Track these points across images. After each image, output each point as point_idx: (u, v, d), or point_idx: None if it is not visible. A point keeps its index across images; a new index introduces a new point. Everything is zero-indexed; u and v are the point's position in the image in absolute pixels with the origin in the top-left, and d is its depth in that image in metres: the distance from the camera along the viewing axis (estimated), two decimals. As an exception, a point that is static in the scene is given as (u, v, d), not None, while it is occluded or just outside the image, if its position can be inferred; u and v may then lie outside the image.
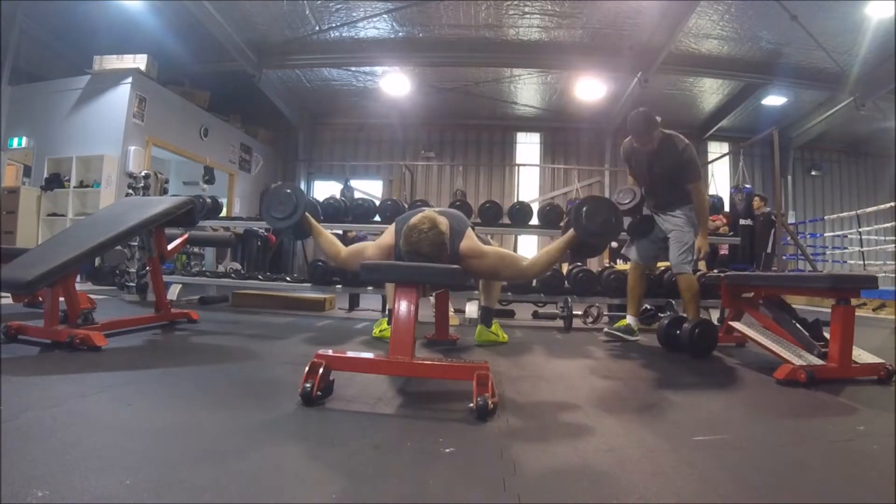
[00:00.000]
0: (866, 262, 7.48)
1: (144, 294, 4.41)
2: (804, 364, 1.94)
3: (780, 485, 1.03)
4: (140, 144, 6.68)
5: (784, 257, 7.77)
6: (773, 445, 1.26)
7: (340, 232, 8.15)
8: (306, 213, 2.32)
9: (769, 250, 6.65)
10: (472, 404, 1.36)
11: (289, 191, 2.32)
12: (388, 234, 2.21)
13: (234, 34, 7.02)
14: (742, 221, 6.70)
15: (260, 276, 4.44)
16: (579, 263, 4.04)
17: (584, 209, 2.05)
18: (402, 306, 1.60)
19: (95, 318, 2.32)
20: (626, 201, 2.85)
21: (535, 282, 3.85)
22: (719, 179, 9.40)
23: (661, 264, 5.25)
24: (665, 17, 6.36)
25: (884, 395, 1.84)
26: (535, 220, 4.11)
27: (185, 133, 7.73)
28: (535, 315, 3.99)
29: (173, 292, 4.15)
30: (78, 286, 2.61)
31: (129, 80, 6.51)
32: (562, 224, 2.28)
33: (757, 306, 2.66)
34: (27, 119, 6.63)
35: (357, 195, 7.78)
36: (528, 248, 10.02)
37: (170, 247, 3.14)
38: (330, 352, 1.53)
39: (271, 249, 8.37)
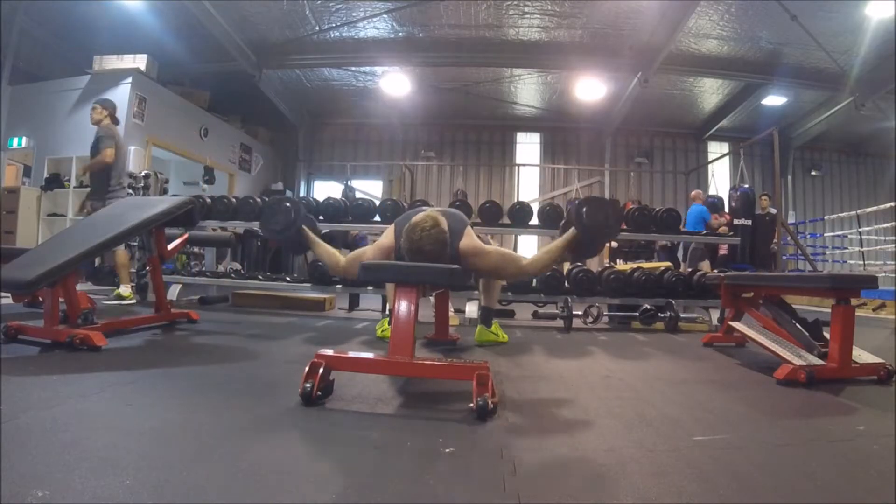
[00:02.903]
0: (866, 262, 7.48)
1: (144, 294, 4.41)
2: (804, 364, 1.94)
3: (780, 485, 1.03)
4: (140, 144, 6.67)
5: (784, 257, 7.77)
6: (773, 445, 1.26)
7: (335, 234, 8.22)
8: (303, 227, 2.31)
9: (774, 249, 6.65)
10: (472, 404, 1.36)
11: (287, 204, 2.32)
12: (388, 236, 2.22)
13: (234, 34, 7.03)
14: (736, 221, 6.71)
15: (260, 276, 4.44)
16: (579, 263, 4.03)
17: (585, 209, 2.05)
18: (402, 306, 1.60)
19: (95, 319, 2.32)
20: None
21: (534, 282, 3.85)
22: (719, 179, 9.41)
23: (661, 264, 5.27)
24: (665, 17, 6.37)
25: (884, 395, 1.84)
26: (535, 220, 4.11)
27: (185, 133, 7.73)
28: (535, 315, 3.99)
29: (173, 292, 4.15)
30: (78, 286, 2.60)
31: (129, 80, 6.51)
32: (561, 224, 2.28)
33: (757, 306, 2.66)
34: (27, 119, 6.63)
35: (357, 195, 7.79)
36: (528, 247, 10.02)
37: (170, 247, 3.14)
38: (330, 352, 1.53)
39: (271, 249, 8.36)
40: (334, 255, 2.29)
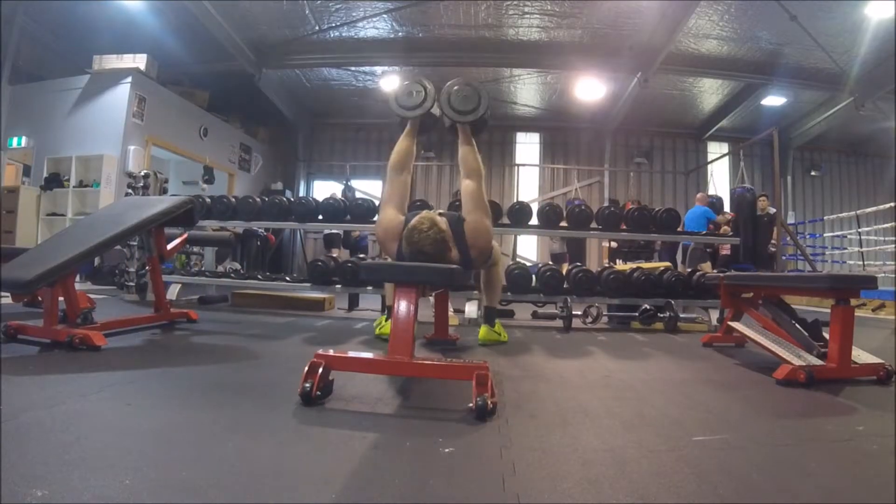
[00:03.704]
0: (866, 263, 7.48)
1: (144, 294, 4.41)
2: (804, 364, 1.94)
3: (780, 485, 1.03)
4: (140, 144, 6.68)
5: (784, 257, 7.78)
6: (773, 445, 1.26)
7: (341, 233, 8.23)
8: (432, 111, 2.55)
9: (773, 249, 6.66)
10: (471, 404, 1.37)
11: (422, 82, 2.55)
12: (400, 219, 2.24)
13: (233, 34, 7.03)
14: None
15: (259, 276, 4.44)
16: (578, 263, 4.03)
17: (451, 95, 2.48)
18: (402, 306, 1.60)
19: (95, 318, 2.31)
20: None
21: (534, 282, 3.85)
22: (719, 180, 9.42)
23: (661, 264, 5.27)
24: (665, 17, 6.37)
25: (883, 395, 1.84)
26: (534, 220, 4.11)
27: (184, 133, 7.73)
28: (535, 315, 3.99)
29: (173, 292, 4.15)
30: (77, 286, 2.61)
31: (129, 79, 6.52)
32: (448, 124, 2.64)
33: (756, 306, 2.66)
34: (27, 119, 6.63)
35: (357, 195, 7.79)
36: (528, 247, 10.04)
37: (169, 246, 3.14)
38: (329, 351, 1.53)
39: (271, 249, 8.37)
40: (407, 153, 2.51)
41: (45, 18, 6.76)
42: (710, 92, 9.01)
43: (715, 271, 4.04)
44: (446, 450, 1.14)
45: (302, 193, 10.30)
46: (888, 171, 9.90)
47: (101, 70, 6.55)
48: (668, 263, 5.77)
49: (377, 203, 4.20)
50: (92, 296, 3.00)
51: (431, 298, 2.77)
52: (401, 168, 2.45)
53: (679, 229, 4.45)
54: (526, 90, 9.29)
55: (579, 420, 1.43)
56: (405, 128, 2.56)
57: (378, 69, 8.38)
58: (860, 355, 2.06)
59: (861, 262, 7.51)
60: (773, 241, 6.66)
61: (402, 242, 2.04)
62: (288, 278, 4.45)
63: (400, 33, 7.40)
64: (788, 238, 7.07)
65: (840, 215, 8.69)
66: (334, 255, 5.65)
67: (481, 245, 2.25)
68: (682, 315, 3.63)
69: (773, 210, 6.97)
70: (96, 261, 5.49)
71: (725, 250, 6.67)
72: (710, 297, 3.72)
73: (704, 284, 3.63)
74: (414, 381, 1.75)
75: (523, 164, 10.58)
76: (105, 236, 2.35)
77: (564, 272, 4.09)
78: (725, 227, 6.55)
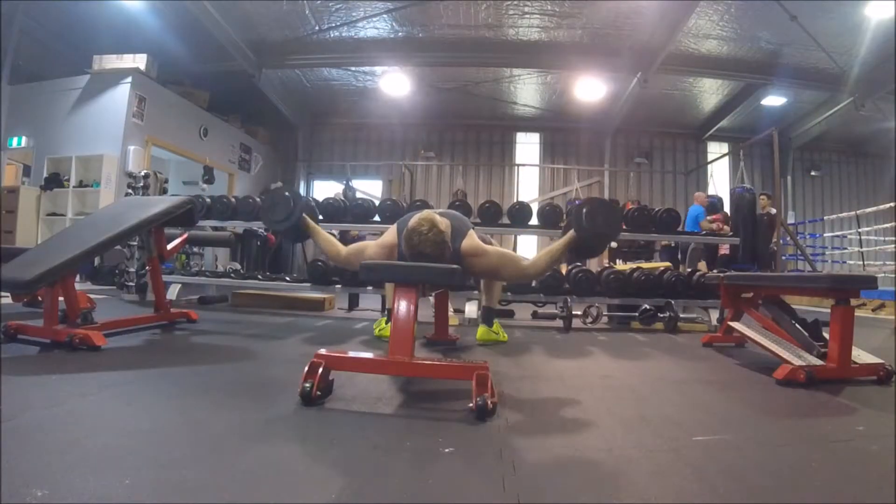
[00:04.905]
0: (866, 263, 7.48)
1: (144, 294, 4.41)
2: (804, 364, 1.94)
3: (780, 485, 1.03)
4: (140, 144, 6.67)
5: (784, 257, 7.77)
6: (773, 445, 1.26)
7: (336, 234, 8.23)
8: (304, 216, 2.34)
9: (773, 249, 6.65)
10: (471, 404, 1.36)
11: (287, 194, 2.36)
12: (391, 234, 2.23)
13: (233, 34, 7.02)
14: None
15: (259, 276, 4.44)
16: (579, 263, 4.03)
17: (585, 210, 2.07)
18: (402, 306, 1.60)
19: (95, 318, 2.31)
20: None
21: (534, 282, 3.85)
22: (719, 180, 9.42)
23: (661, 264, 5.27)
24: (665, 18, 6.37)
25: (883, 395, 1.84)
26: (534, 220, 4.11)
27: (184, 133, 7.73)
28: (535, 315, 3.99)
29: (172, 292, 4.15)
30: (77, 286, 2.61)
31: (129, 79, 6.51)
32: (562, 224, 2.29)
33: (756, 306, 2.66)
34: (27, 119, 6.63)
35: (357, 195, 7.79)
36: (528, 248, 10.02)
37: (169, 247, 3.14)
38: (329, 351, 1.53)
39: (271, 249, 8.37)
40: (335, 244, 2.32)
41: (45, 18, 6.75)
42: (710, 92, 9.00)
43: (715, 271, 4.03)
44: (446, 450, 1.14)
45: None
46: (888, 171, 9.89)
47: (101, 70, 6.55)
48: (668, 263, 5.77)
49: (376, 203, 4.21)
50: (92, 296, 3.00)
51: (431, 298, 2.77)
52: (351, 248, 2.31)
53: (679, 229, 4.45)
54: (526, 90, 9.28)
55: (579, 420, 1.43)
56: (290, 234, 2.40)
57: (378, 69, 8.37)
58: (860, 355, 2.06)
59: (861, 262, 7.51)
60: (773, 242, 6.65)
61: (401, 244, 2.04)
62: (288, 278, 4.45)
63: (400, 33, 7.39)
64: (788, 238, 7.07)
65: (840, 215, 8.69)
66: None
67: (473, 263, 2.14)
68: (682, 315, 3.63)
69: (773, 210, 6.96)
70: (96, 261, 5.49)
71: (724, 250, 6.66)
72: (709, 297, 3.72)
73: (704, 284, 3.63)
74: (414, 381, 1.75)
75: (523, 164, 10.58)
76: (105, 236, 2.35)
77: (564, 272, 4.09)
78: (725, 227, 6.54)
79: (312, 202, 2.52)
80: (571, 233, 2.10)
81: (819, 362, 1.99)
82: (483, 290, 2.91)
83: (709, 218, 6.92)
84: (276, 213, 2.35)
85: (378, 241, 2.27)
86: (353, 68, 8.50)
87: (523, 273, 2.18)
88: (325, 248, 2.34)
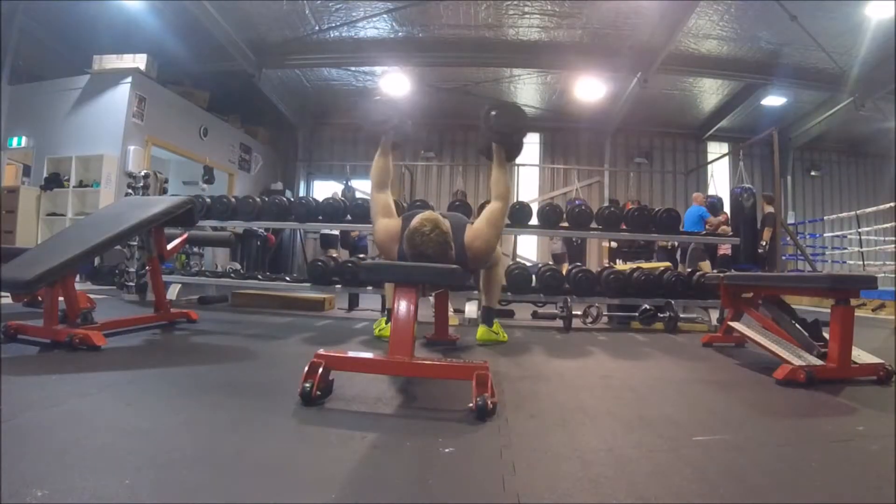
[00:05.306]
0: (866, 263, 7.48)
1: (144, 294, 4.41)
2: (803, 364, 1.94)
3: (780, 485, 1.03)
4: (140, 144, 6.67)
5: (783, 258, 7.77)
6: (773, 445, 1.26)
7: (337, 233, 8.22)
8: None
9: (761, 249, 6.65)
10: (471, 404, 1.36)
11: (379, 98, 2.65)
12: (397, 223, 2.28)
13: (234, 34, 7.02)
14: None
15: (259, 276, 4.44)
16: (578, 263, 4.03)
17: (493, 113, 2.39)
18: (402, 306, 1.60)
19: (94, 318, 2.31)
20: None
21: (534, 282, 3.85)
22: (719, 180, 9.42)
23: (661, 264, 5.26)
24: (665, 18, 6.36)
25: (883, 395, 1.84)
26: (534, 220, 4.11)
27: (184, 133, 7.73)
28: (535, 315, 3.99)
29: (172, 292, 4.15)
30: (77, 286, 2.60)
31: (129, 79, 6.51)
32: (481, 144, 2.62)
33: (756, 306, 2.66)
34: (27, 119, 6.63)
35: (357, 195, 7.79)
36: (528, 247, 10.03)
37: (169, 247, 3.14)
38: (329, 351, 1.53)
39: (271, 249, 8.37)
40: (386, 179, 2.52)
41: (45, 18, 6.75)
42: (709, 92, 9.00)
43: (715, 271, 4.04)
44: (446, 450, 1.14)
45: (302, 193, 10.30)
46: (888, 171, 9.89)
47: (101, 70, 6.55)
48: (667, 263, 5.76)
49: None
50: (92, 296, 2.99)
51: (431, 298, 2.77)
52: (383, 185, 2.49)
53: (679, 229, 4.45)
54: (526, 90, 9.28)
55: (579, 420, 1.43)
56: (378, 144, 2.56)
57: (378, 69, 8.37)
58: (860, 355, 2.06)
59: (861, 262, 7.51)
60: (763, 242, 6.63)
61: (402, 244, 2.04)
62: (288, 278, 4.45)
63: (400, 33, 7.39)
64: (788, 238, 7.07)
65: (840, 215, 8.69)
66: (333, 256, 5.65)
67: (478, 247, 2.27)
68: (682, 315, 3.63)
69: (769, 210, 6.96)
70: (96, 261, 5.49)
71: (725, 250, 6.65)
72: (709, 297, 3.72)
73: (704, 284, 3.63)
74: (414, 381, 1.75)
75: (523, 164, 10.57)
76: (105, 236, 2.35)
77: (564, 272, 4.09)
78: (725, 228, 6.53)
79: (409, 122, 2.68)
80: (495, 146, 2.43)
81: (819, 362, 1.99)
82: (483, 289, 2.91)
83: (720, 217, 6.91)
84: (379, 115, 2.52)
85: (383, 226, 2.33)
86: (353, 68, 8.49)
87: (501, 208, 2.40)
88: (379, 174, 2.49)
